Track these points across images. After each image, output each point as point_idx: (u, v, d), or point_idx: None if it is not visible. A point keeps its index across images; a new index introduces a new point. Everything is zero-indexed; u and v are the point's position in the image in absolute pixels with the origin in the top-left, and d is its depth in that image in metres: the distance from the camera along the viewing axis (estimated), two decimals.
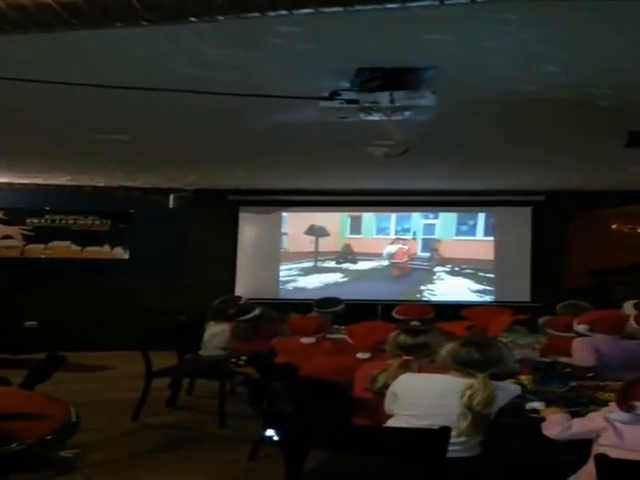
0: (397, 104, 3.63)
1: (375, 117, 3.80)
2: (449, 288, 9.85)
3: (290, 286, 10.11)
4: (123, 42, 3.28)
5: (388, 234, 10.09)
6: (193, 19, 2.51)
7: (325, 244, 10.14)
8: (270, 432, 4.08)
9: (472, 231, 9.93)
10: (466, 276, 9.88)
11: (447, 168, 7.64)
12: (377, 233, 10.15)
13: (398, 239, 10.03)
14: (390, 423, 3.22)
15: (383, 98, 3.63)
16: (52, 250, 9.77)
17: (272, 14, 2.48)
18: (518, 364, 4.22)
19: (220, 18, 2.51)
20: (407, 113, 3.75)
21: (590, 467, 2.74)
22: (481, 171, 7.91)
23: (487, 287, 9.81)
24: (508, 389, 3.21)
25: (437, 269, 9.94)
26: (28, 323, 8.93)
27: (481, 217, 9.91)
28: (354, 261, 10.11)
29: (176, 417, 6.02)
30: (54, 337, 7.92)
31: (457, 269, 9.89)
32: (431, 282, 9.93)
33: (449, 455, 2.83)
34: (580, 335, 4.58)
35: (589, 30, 3.09)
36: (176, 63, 3.62)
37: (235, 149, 6.53)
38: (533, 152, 6.47)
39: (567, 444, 2.96)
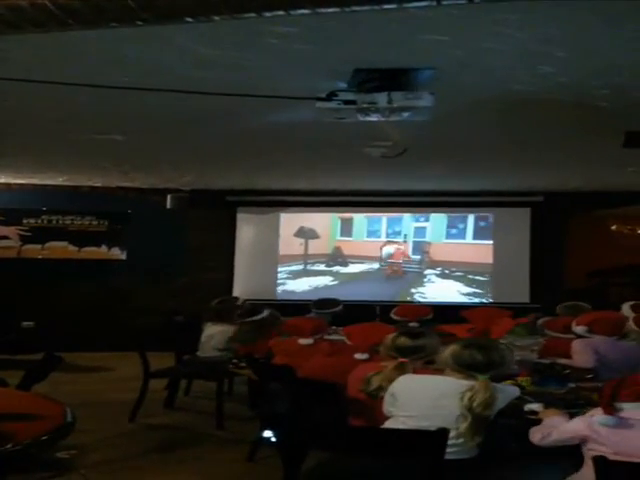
0: (395, 105, 3.62)
1: (373, 118, 3.79)
2: (439, 291, 9.86)
3: (280, 289, 10.11)
4: (119, 42, 3.27)
5: (379, 237, 10.10)
6: (189, 19, 2.50)
7: (315, 247, 10.12)
8: (268, 433, 4.08)
9: (462, 234, 9.95)
10: (456, 279, 9.89)
11: (445, 169, 7.64)
12: (368, 236, 10.14)
13: (390, 242, 10.04)
14: (388, 424, 3.22)
15: (381, 99, 3.62)
16: (49, 250, 9.76)
17: (268, 14, 2.47)
18: (517, 365, 4.21)
19: (216, 18, 2.50)
20: (405, 114, 3.74)
21: (585, 472, 2.74)
22: (480, 172, 7.92)
23: (477, 290, 9.82)
24: (508, 391, 3.20)
25: (428, 272, 9.95)
26: (25, 323, 8.92)
27: (470, 220, 9.91)
28: (344, 264, 10.10)
29: (173, 418, 6.01)
30: (51, 338, 7.91)
31: (447, 272, 9.90)
32: (422, 285, 9.94)
33: (447, 457, 2.83)
34: (579, 336, 4.58)
35: (587, 30, 3.08)
36: (172, 63, 3.60)
37: (231, 150, 6.52)
38: (531, 153, 6.47)
39: (565, 446, 2.95)
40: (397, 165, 6.62)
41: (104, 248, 9.87)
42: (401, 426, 3.11)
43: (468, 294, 9.84)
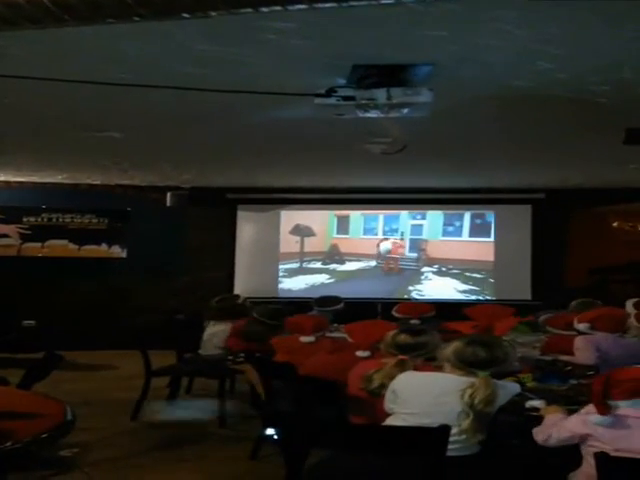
0: (394, 101, 3.62)
1: (372, 114, 3.79)
2: (436, 288, 9.87)
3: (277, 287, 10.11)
4: (116, 39, 3.26)
5: (376, 234, 10.10)
6: (185, 15, 2.50)
7: (311, 244, 10.11)
8: (270, 431, 4.08)
9: (458, 232, 9.95)
10: (453, 276, 9.89)
11: (446, 166, 7.64)
12: (365, 233, 10.14)
13: (386, 239, 10.04)
14: (389, 421, 3.22)
15: (380, 95, 3.61)
16: (49, 249, 9.75)
17: (265, 10, 2.47)
18: (519, 362, 4.21)
19: (213, 14, 2.49)
20: (404, 110, 3.74)
21: (585, 469, 2.74)
22: (480, 169, 7.91)
23: (474, 287, 9.83)
24: (509, 387, 3.20)
25: (425, 269, 9.95)
26: (26, 322, 8.92)
27: (467, 218, 9.91)
28: (341, 262, 10.09)
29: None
30: (52, 336, 7.91)
31: (444, 269, 9.91)
32: (419, 282, 9.94)
33: (448, 453, 2.83)
34: (581, 333, 4.58)
35: (587, 27, 3.08)
36: (169, 60, 3.60)
37: (231, 147, 6.51)
38: (531, 149, 6.46)
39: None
40: (397, 162, 6.61)
41: (104, 246, 9.87)
42: (402, 423, 3.11)
43: (465, 291, 9.84)
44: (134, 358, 6.11)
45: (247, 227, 10.14)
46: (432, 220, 10.00)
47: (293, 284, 10.07)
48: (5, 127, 5.57)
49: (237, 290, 9.50)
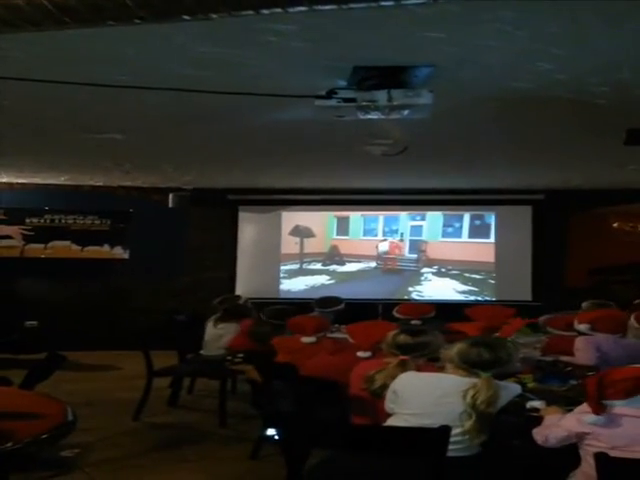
0: (395, 102, 3.63)
1: (373, 116, 3.79)
2: (436, 289, 9.86)
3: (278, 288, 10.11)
4: (117, 41, 3.27)
5: (376, 235, 10.10)
6: (186, 17, 2.51)
7: (311, 245, 10.11)
8: (271, 431, 4.09)
9: (458, 233, 9.95)
10: (453, 277, 9.89)
11: (446, 167, 7.64)
12: (364, 234, 10.14)
13: (385, 240, 10.05)
14: (390, 422, 3.22)
15: (381, 96, 3.62)
16: (52, 250, 9.77)
17: (266, 12, 2.48)
18: (520, 363, 4.22)
19: (214, 16, 2.50)
20: (405, 112, 3.75)
21: (584, 468, 2.74)
22: (480, 170, 7.91)
23: (473, 288, 9.82)
24: (510, 388, 3.21)
25: (424, 270, 9.95)
26: (29, 323, 8.94)
27: (466, 219, 9.91)
28: (341, 263, 10.09)
29: (177, 416, 6.03)
30: (54, 337, 7.93)
31: (444, 270, 9.90)
32: (419, 283, 9.94)
33: (450, 454, 2.84)
34: (581, 334, 4.59)
35: (586, 27, 3.08)
36: (171, 62, 3.61)
37: (232, 148, 6.52)
38: (531, 150, 6.46)
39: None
40: (398, 163, 6.62)
41: (107, 247, 9.88)
42: (403, 424, 3.12)
43: (465, 292, 9.84)
44: (136, 358, 6.13)
45: (248, 228, 10.15)
46: (432, 221, 10.01)
47: (293, 285, 10.07)
48: (7, 129, 5.58)
49: (238, 291, 9.51)
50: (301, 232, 10.07)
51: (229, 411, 5.70)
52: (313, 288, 9.85)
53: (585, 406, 2.80)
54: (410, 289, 9.92)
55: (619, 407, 2.70)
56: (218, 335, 6.15)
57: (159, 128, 5.53)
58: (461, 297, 9.76)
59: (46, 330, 8.76)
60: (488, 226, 9.89)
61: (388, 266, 9.99)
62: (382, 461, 3.00)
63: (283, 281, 10.09)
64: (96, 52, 3.46)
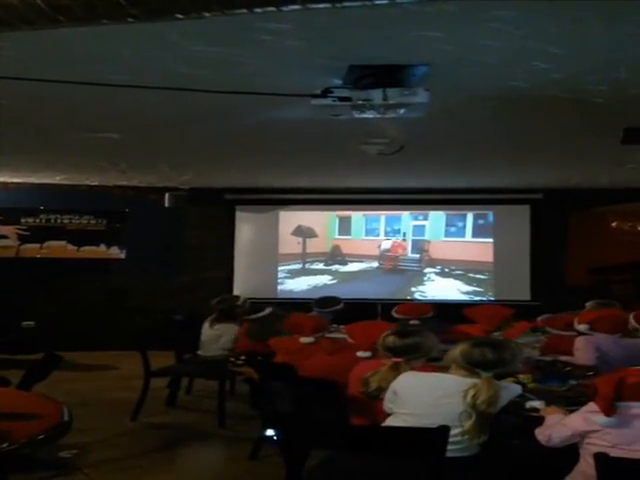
0: (390, 101, 3.62)
1: (368, 115, 3.78)
2: (439, 289, 9.85)
3: (279, 288, 10.09)
4: (113, 40, 3.26)
5: (378, 235, 10.09)
6: (179, 16, 2.50)
7: (313, 245, 10.10)
8: (270, 432, 4.09)
9: (461, 232, 9.94)
10: (456, 277, 9.88)
11: (444, 166, 7.64)
12: (366, 234, 10.13)
13: (387, 240, 10.05)
14: (389, 422, 3.22)
15: (376, 95, 3.61)
16: (48, 250, 9.74)
17: (260, 10, 2.47)
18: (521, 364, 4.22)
19: (207, 15, 2.49)
20: (401, 110, 3.74)
21: (582, 467, 2.74)
22: (478, 169, 7.92)
23: (477, 288, 9.82)
24: (511, 389, 3.21)
25: (427, 270, 9.95)
26: (25, 323, 8.92)
27: (469, 218, 9.91)
28: (343, 263, 10.08)
29: (175, 417, 6.02)
30: (51, 337, 7.91)
31: (447, 270, 9.90)
32: (421, 283, 9.93)
33: (450, 454, 2.84)
34: (581, 334, 4.59)
35: (583, 26, 3.08)
36: (166, 61, 3.59)
37: (228, 147, 6.51)
38: (529, 150, 6.46)
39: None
40: (394, 162, 6.61)
41: (103, 247, 9.86)
42: (402, 424, 3.12)
43: (468, 292, 9.83)
44: (133, 359, 6.12)
45: (245, 228, 10.14)
46: (434, 221, 9.99)
47: (295, 285, 10.07)
48: (2, 128, 5.56)
49: (236, 291, 9.50)
50: (303, 232, 10.07)
51: (228, 412, 5.69)
52: (315, 288, 9.84)
53: (592, 406, 2.80)
54: (413, 289, 9.91)
55: (636, 408, 2.70)
56: (216, 336, 6.14)
57: (155, 127, 5.52)
58: (464, 297, 9.74)
59: (43, 330, 8.74)
60: (491, 225, 9.89)
61: (389, 265, 9.98)
62: (381, 462, 3.00)
63: (286, 281, 10.09)
64: (91, 51, 3.45)
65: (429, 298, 9.51)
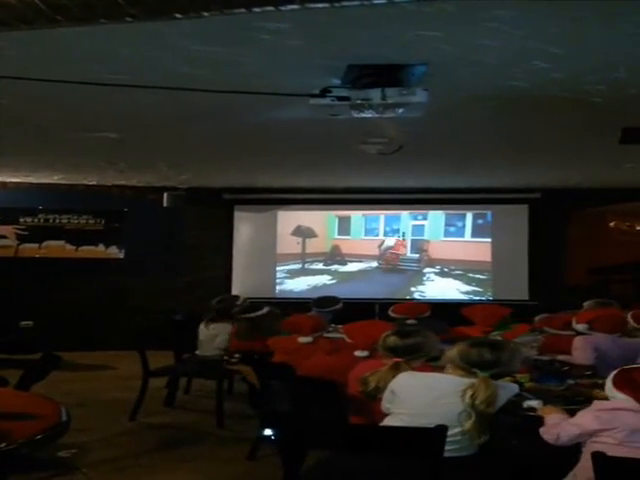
0: (389, 101, 3.62)
1: (367, 114, 3.78)
2: (439, 289, 9.85)
3: (278, 288, 10.09)
4: (111, 40, 3.26)
5: (377, 235, 10.08)
6: (178, 15, 2.50)
7: (312, 245, 10.09)
8: (268, 432, 4.08)
9: (460, 232, 9.93)
10: (456, 277, 9.88)
11: (442, 165, 7.65)
12: (366, 234, 10.12)
13: (391, 238, 10.04)
14: (387, 421, 3.22)
15: (375, 95, 3.61)
16: (46, 250, 9.75)
17: (258, 10, 2.48)
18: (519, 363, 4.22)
19: (205, 14, 2.50)
20: (399, 110, 3.74)
21: (585, 464, 2.74)
22: (476, 168, 7.92)
23: (477, 288, 9.82)
24: (508, 388, 3.21)
25: (426, 270, 9.94)
26: (24, 323, 8.91)
27: (469, 218, 9.91)
28: (343, 262, 10.07)
29: (174, 417, 6.02)
30: (50, 337, 7.90)
31: (446, 270, 9.89)
32: (421, 283, 9.92)
33: (448, 454, 2.84)
34: (579, 334, 4.60)
35: (582, 26, 3.08)
36: (165, 60, 3.59)
37: (226, 147, 6.51)
38: (527, 149, 6.47)
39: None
40: (395, 162, 6.62)
41: (101, 247, 9.87)
42: (399, 424, 3.12)
43: (467, 292, 9.83)
44: (132, 358, 6.11)
45: (244, 227, 10.14)
46: (433, 221, 9.99)
47: (295, 285, 10.06)
48: (0, 128, 5.56)
49: (235, 291, 9.49)
50: (303, 232, 10.06)
51: (226, 411, 5.69)
52: (315, 288, 9.83)
53: (601, 404, 2.83)
54: (412, 289, 9.91)
55: None
56: (212, 335, 6.14)
57: (154, 127, 5.53)
58: (464, 297, 9.74)
59: (41, 330, 8.73)
60: (490, 225, 9.88)
61: (390, 264, 9.96)
62: (380, 461, 3.00)
63: (285, 281, 10.08)
64: (90, 51, 3.45)
65: (428, 298, 9.49)
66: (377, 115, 3.79)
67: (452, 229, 9.93)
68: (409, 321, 6.23)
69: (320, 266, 10.09)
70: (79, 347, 8.37)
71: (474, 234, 9.89)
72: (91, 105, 4.71)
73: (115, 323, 9.10)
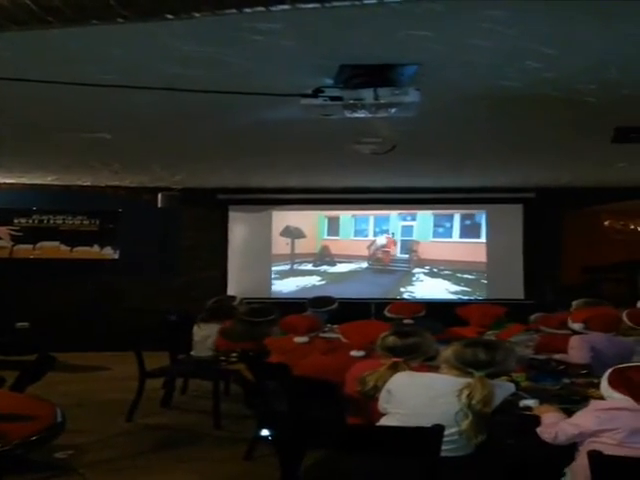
0: (381, 101, 3.63)
1: (360, 114, 3.79)
2: (428, 289, 9.86)
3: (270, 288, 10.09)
4: (104, 40, 3.26)
5: (367, 236, 10.08)
6: (169, 16, 2.51)
7: (301, 246, 10.08)
8: (265, 432, 4.09)
9: (449, 233, 9.95)
10: (445, 277, 9.90)
11: (435, 165, 7.66)
12: (355, 235, 10.12)
13: (382, 237, 10.05)
14: (383, 421, 3.23)
15: (367, 95, 3.62)
16: (41, 250, 9.73)
17: (249, 10, 2.48)
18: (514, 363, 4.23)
19: (196, 15, 2.50)
20: (392, 110, 3.75)
21: (583, 462, 2.75)
22: (470, 168, 7.93)
23: (466, 288, 9.84)
24: (504, 387, 3.22)
25: (416, 270, 9.96)
26: (20, 324, 8.90)
27: (456, 219, 9.93)
28: (332, 263, 10.06)
29: (171, 417, 6.01)
30: (45, 338, 7.90)
31: (436, 270, 9.91)
32: (410, 284, 9.94)
33: (445, 454, 2.85)
34: (575, 332, 4.62)
35: (574, 26, 3.10)
36: (157, 61, 3.60)
37: (220, 148, 6.51)
38: (521, 149, 6.49)
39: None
40: (389, 162, 6.63)
41: (96, 248, 9.85)
42: (396, 423, 3.12)
43: (457, 292, 9.85)
44: (127, 359, 6.11)
45: (239, 228, 10.13)
46: (422, 222, 10.01)
47: (284, 286, 10.05)
48: None
49: (230, 291, 9.49)
50: (292, 233, 10.05)
51: (223, 412, 5.68)
52: (304, 289, 9.83)
53: (597, 403, 2.84)
54: (402, 289, 9.92)
55: None
56: (204, 336, 6.15)
57: (147, 127, 5.53)
58: (453, 297, 9.76)
59: (37, 331, 8.73)
60: (478, 226, 9.91)
61: (381, 263, 9.95)
62: (377, 461, 3.01)
63: (275, 282, 10.07)
64: (83, 51, 3.45)
65: (418, 298, 9.50)
66: (370, 115, 3.80)
67: (440, 230, 9.95)
68: (405, 321, 6.24)
69: (309, 267, 10.07)
70: (75, 348, 8.34)
71: (462, 235, 9.91)
72: (84, 106, 4.70)
73: (110, 324, 9.09)
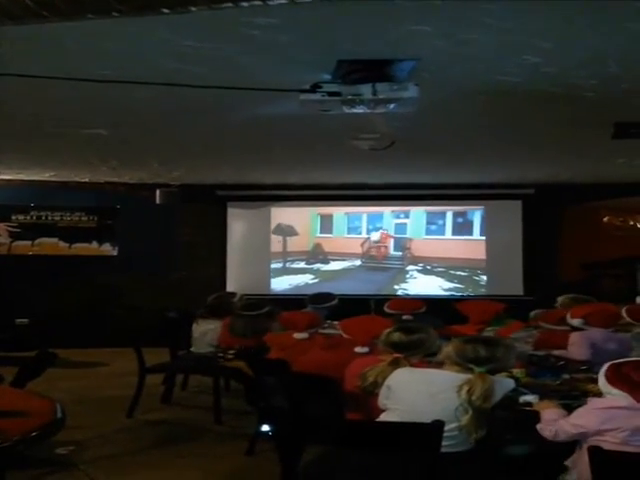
0: (380, 96, 3.61)
1: (358, 110, 3.78)
2: (422, 286, 9.84)
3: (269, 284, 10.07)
4: (101, 35, 3.24)
5: (360, 233, 10.05)
6: (165, 10, 2.50)
7: (294, 244, 10.05)
8: (266, 427, 4.10)
9: (441, 230, 9.94)
10: (438, 274, 9.89)
11: (434, 161, 7.65)
12: (348, 232, 10.08)
13: (376, 232, 10.04)
14: (383, 417, 3.24)
15: (365, 90, 3.60)
16: (39, 247, 9.73)
17: (246, 5, 2.47)
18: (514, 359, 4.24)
19: (193, 9, 2.50)
20: (390, 105, 3.73)
21: (582, 456, 2.76)
22: (469, 164, 7.92)
23: (458, 284, 9.82)
24: (504, 383, 3.23)
25: (409, 267, 9.95)
26: (19, 320, 8.90)
27: (449, 216, 9.91)
28: (325, 261, 10.03)
29: (171, 413, 6.03)
30: (45, 334, 7.90)
31: (429, 267, 9.90)
32: (404, 281, 9.93)
33: (446, 449, 2.86)
34: (574, 328, 4.62)
35: (573, 20, 3.08)
36: (155, 56, 3.58)
37: (218, 143, 6.49)
38: (520, 144, 6.47)
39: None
40: (388, 158, 6.62)
41: (95, 244, 9.85)
42: (396, 419, 3.13)
43: (449, 289, 9.84)
44: (127, 355, 6.12)
45: (237, 224, 10.11)
46: (415, 219, 9.98)
47: (277, 284, 10.01)
48: None
49: (230, 287, 9.49)
50: (284, 230, 10.01)
51: (223, 408, 5.70)
52: (297, 287, 9.81)
53: (597, 401, 2.84)
54: (396, 287, 9.90)
55: None
56: (203, 333, 6.17)
57: (145, 123, 5.51)
58: (446, 294, 9.74)
59: (36, 327, 8.73)
60: (471, 223, 9.90)
61: (376, 259, 9.94)
62: (377, 457, 3.01)
63: (269, 280, 10.04)
64: (80, 46, 3.42)
65: (411, 295, 9.41)
66: (368, 110, 3.79)
67: (433, 227, 9.93)
68: (405, 317, 6.25)
69: (302, 265, 10.04)
70: (74, 344, 8.34)
71: (455, 232, 9.90)
72: (82, 101, 4.68)
73: (109, 320, 9.10)
